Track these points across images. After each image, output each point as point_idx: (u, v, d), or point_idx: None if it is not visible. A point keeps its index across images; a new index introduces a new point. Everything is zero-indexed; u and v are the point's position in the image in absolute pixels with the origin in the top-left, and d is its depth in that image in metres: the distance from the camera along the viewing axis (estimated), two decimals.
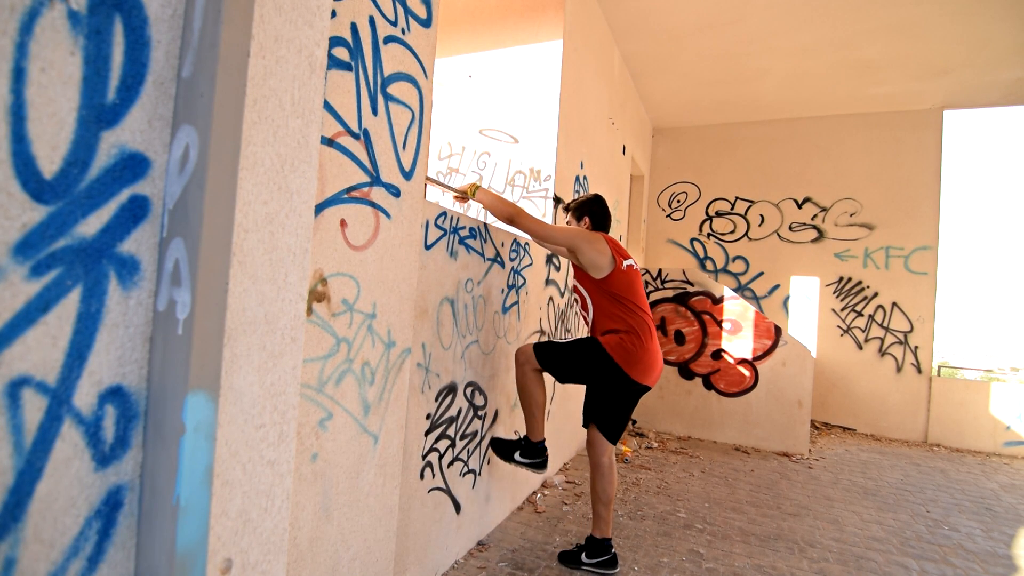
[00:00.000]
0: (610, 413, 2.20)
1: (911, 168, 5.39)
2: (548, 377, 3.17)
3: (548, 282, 3.11)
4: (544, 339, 3.05)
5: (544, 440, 2.31)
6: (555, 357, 2.21)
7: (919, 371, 5.25)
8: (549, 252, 3.11)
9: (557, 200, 3.23)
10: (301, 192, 0.97)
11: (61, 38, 0.78)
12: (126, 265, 0.88)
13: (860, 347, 5.47)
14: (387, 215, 1.49)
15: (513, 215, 2.21)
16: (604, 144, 4.26)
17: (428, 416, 1.90)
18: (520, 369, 2.28)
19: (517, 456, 2.27)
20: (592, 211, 2.36)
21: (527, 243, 2.75)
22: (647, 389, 2.20)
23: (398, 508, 1.64)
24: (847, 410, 5.46)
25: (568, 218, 2.43)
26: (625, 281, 2.19)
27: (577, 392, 3.81)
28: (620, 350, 2.11)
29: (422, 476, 1.88)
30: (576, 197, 2.44)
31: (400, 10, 1.53)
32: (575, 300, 2.33)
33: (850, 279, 5.55)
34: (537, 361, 2.22)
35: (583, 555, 2.18)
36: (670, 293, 4.83)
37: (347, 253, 1.35)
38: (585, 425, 2.26)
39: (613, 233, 4.68)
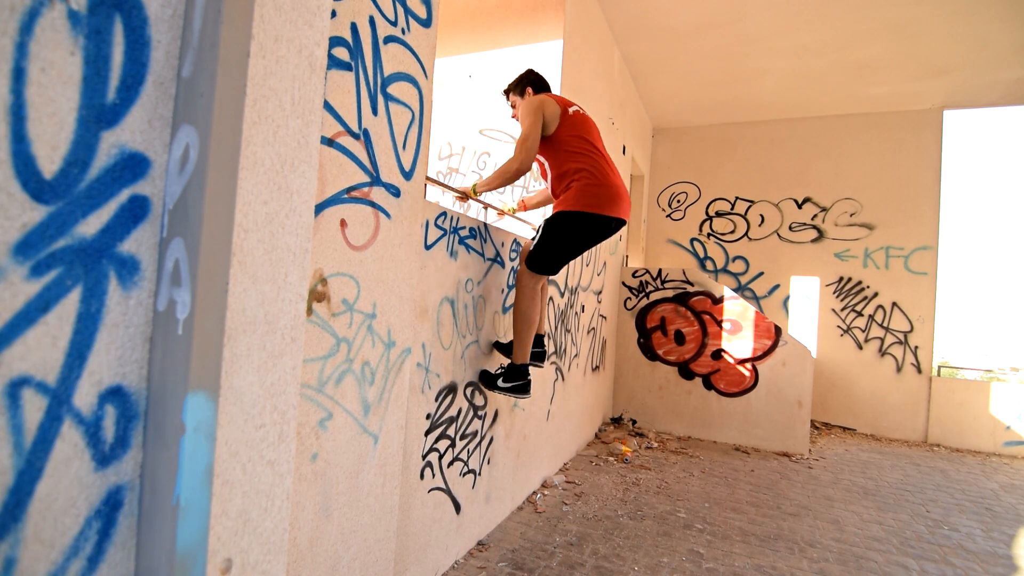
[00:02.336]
0: (566, 257, 2.20)
1: (911, 168, 5.39)
2: (547, 377, 3.18)
3: (548, 282, 3.11)
4: (544, 339, 3.05)
5: (527, 364, 2.25)
6: (545, 256, 2.17)
7: (919, 371, 5.25)
8: None
9: None
10: (301, 192, 0.97)
11: (61, 38, 0.78)
12: (126, 265, 0.88)
13: (860, 347, 5.47)
14: (387, 215, 1.49)
15: (506, 172, 2.17)
16: (604, 144, 4.25)
17: (428, 416, 1.90)
18: (520, 285, 2.22)
19: (500, 383, 2.23)
20: (531, 80, 2.41)
21: None
22: (623, 222, 2.21)
23: (398, 508, 1.64)
24: (847, 410, 5.46)
25: (512, 100, 2.45)
26: (574, 127, 2.20)
27: (577, 392, 3.81)
28: (583, 197, 2.10)
29: (422, 476, 1.88)
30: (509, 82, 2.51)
31: (400, 10, 1.53)
32: (538, 175, 2.35)
33: (850, 279, 5.55)
34: (530, 269, 2.19)
35: (500, 379, 2.21)
36: (670, 293, 4.83)
37: (347, 253, 1.35)
38: (532, 268, 2.19)
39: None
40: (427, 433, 1.90)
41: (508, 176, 2.18)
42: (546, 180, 2.32)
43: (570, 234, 2.15)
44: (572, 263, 3.55)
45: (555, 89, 3.23)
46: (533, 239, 2.21)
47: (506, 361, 2.48)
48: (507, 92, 2.49)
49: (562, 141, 2.19)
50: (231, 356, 0.85)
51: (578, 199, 2.11)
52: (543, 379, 3.09)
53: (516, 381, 2.23)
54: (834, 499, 3.26)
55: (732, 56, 4.57)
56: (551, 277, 2.23)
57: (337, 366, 1.33)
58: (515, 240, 2.59)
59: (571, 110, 2.25)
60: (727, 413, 4.56)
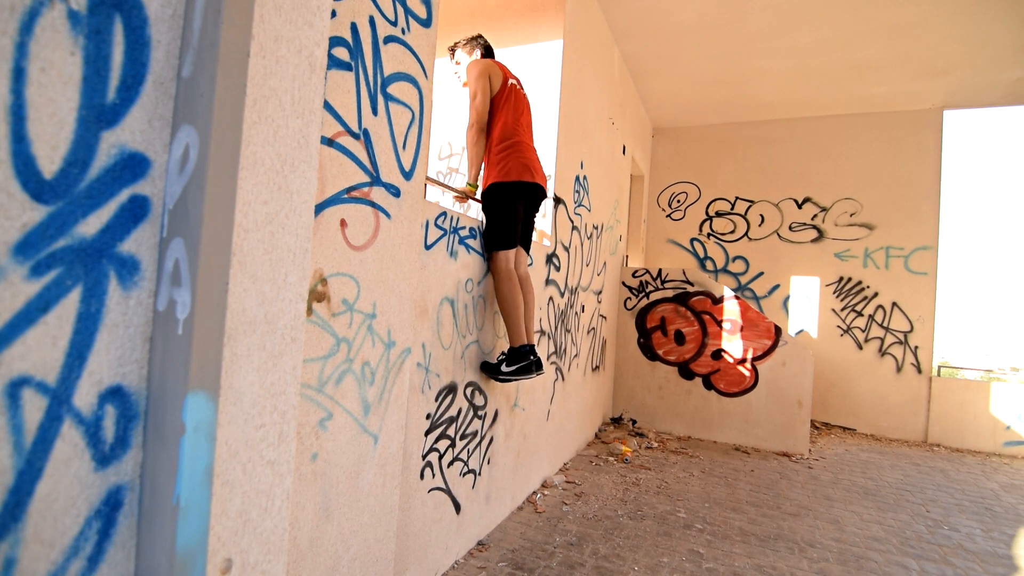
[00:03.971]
0: (514, 226, 2.28)
1: (911, 168, 5.39)
2: (547, 377, 3.18)
3: (548, 282, 3.11)
4: (545, 339, 3.05)
5: (527, 344, 2.25)
6: (495, 233, 2.25)
7: (919, 371, 5.25)
8: (548, 252, 3.11)
9: (557, 200, 3.23)
10: (301, 192, 0.97)
11: (61, 38, 0.78)
12: (126, 265, 0.88)
13: (860, 347, 5.47)
14: (387, 215, 1.49)
15: (469, 140, 2.35)
16: (604, 144, 4.26)
17: (428, 416, 1.90)
18: (495, 275, 2.28)
19: (504, 368, 2.22)
20: (482, 45, 2.56)
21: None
22: (541, 188, 2.36)
23: (398, 508, 1.64)
24: (847, 410, 5.46)
25: (457, 57, 2.58)
26: (509, 99, 2.36)
27: (577, 392, 3.81)
28: (512, 167, 2.26)
29: (422, 476, 1.88)
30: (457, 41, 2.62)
31: (400, 10, 1.53)
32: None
33: (850, 279, 5.55)
34: (490, 249, 2.26)
35: (502, 365, 2.22)
36: (670, 293, 4.83)
37: (347, 253, 1.35)
38: (488, 249, 2.28)
39: (613, 234, 4.68)
40: (427, 433, 1.90)
41: (472, 141, 2.34)
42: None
43: (502, 203, 2.27)
44: (572, 263, 3.55)
45: (555, 89, 3.23)
46: (480, 223, 2.29)
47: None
48: (453, 48, 2.60)
49: (496, 108, 2.35)
50: (231, 356, 0.85)
51: (511, 171, 2.27)
52: (543, 379, 3.09)
53: (520, 362, 2.21)
54: (834, 499, 3.26)
55: (732, 56, 4.57)
56: (530, 263, 2.34)
57: (337, 366, 1.33)
58: None
59: (510, 82, 2.40)
60: (727, 413, 4.56)
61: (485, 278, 2.32)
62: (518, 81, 2.48)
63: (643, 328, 4.91)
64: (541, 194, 2.39)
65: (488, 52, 2.59)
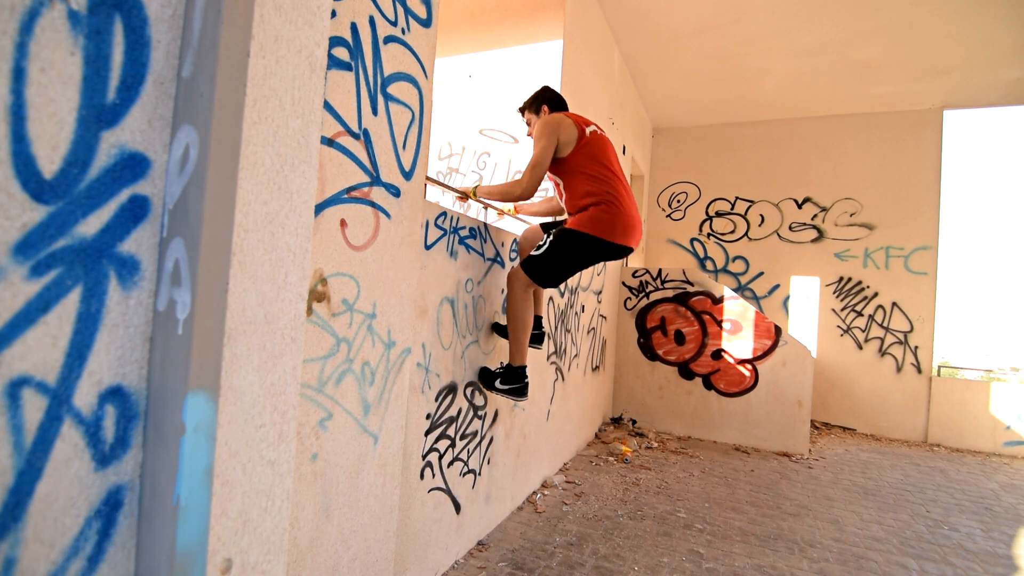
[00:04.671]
0: (566, 274, 2.19)
1: (911, 168, 5.39)
2: (547, 377, 3.18)
3: None
4: (545, 339, 3.05)
5: (525, 367, 2.24)
6: (543, 266, 2.15)
7: (919, 371, 5.25)
8: None
9: None
10: (301, 192, 0.97)
11: (61, 38, 0.78)
12: (126, 265, 0.88)
13: (860, 347, 5.47)
14: (387, 215, 1.49)
15: (520, 192, 2.15)
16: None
17: (428, 416, 1.90)
18: (512, 290, 2.18)
19: (498, 384, 2.22)
20: (546, 98, 2.35)
21: None
22: (631, 250, 2.21)
23: (398, 508, 1.64)
24: (847, 410, 5.46)
25: (527, 117, 2.40)
26: (592, 150, 2.15)
27: (577, 392, 3.81)
28: (595, 223, 2.09)
29: (422, 476, 1.88)
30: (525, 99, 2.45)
31: (400, 10, 1.53)
32: (557, 190, 2.31)
33: (850, 279, 5.55)
34: (528, 276, 2.15)
35: (498, 380, 2.22)
36: (670, 293, 4.83)
37: (347, 253, 1.35)
38: (530, 274, 2.15)
39: None
40: (427, 433, 1.90)
41: (509, 198, 2.19)
42: (561, 199, 2.29)
43: (577, 253, 2.14)
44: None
45: (555, 91, 3.23)
46: (538, 247, 2.19)
47: (506, 358, 2.48)
48: (522, 110, 2.43)
49: (579, 164, 2.14)
50: (231, 356, 0.85)
51: (593, 223, 2.09)
52: (543, 379, 3.09)
53: (514, 384, 2.22)
54: (834, 499, 3.26)
55: (732, 56, 4.57)
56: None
57: (337, 366, 1.33)
58: (515, 240, 2.59)
59: (588, 131, 2.19)
60: (727, 413, 4.56)
61: (485, 278, 2.32)
62: (599, 127, 2.29)
63: (643, 328, 4.91)
64: (626, 254, 2.22)
65: (557, 103, 2.37)
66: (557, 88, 3.22)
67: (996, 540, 2.78)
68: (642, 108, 5.76)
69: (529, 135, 2.38)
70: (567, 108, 2.38)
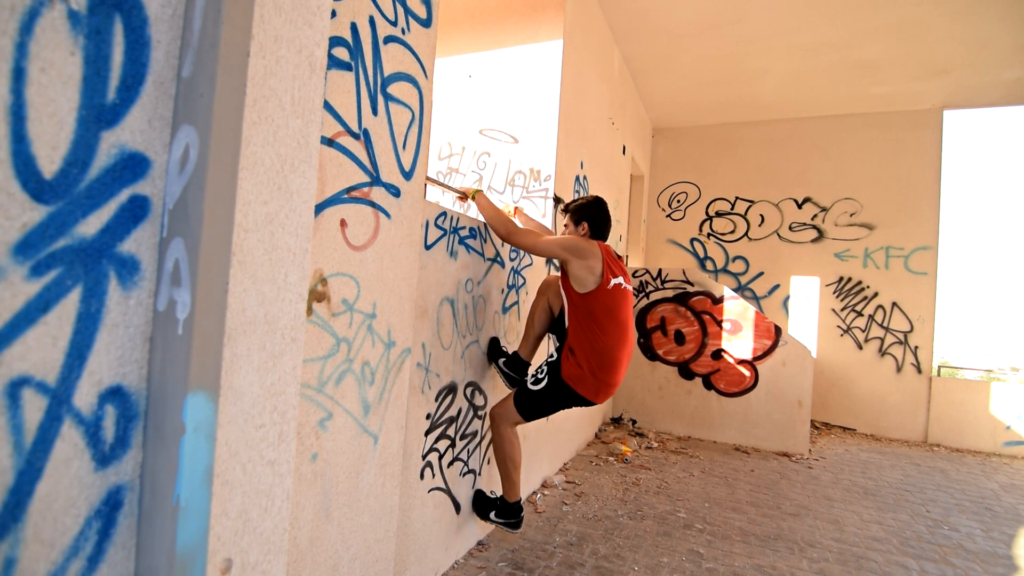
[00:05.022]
0: (547, 413, 2.22)
1: (911, 168, 5.39)
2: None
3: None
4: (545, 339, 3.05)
5: (520, 500, 2.25)
6: (532, 406, 2.18)
7: (919, 371, 5.25)
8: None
9: (557, 200, 3.23)
10: (301, 192, 0.97)
11: (61, 38, 0.78)
12: (126, 265, 0.88)
13: (860, 347, 5.47)
14: (387, 215, 1.49)
15: (506, 234, 2.14)
16: (604, 144, 4.26)
17: (428, 416, 1.90)
18: (499, 430, 2.20)
19: (492, 516, 2.24)
20: (592, 216, 2.22)
21: None
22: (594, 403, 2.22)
23: (398, 508, 1.64)
24: (847, 410, 5.46)
25: (566, 220, 2.30)
26: (607, 302, 2.08)
27: None
28: (583, 384, 2.10)
29: (422, 476, 1.88)
30: (576, 199, 2.33)
31: (400, 10, 1.53)
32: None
33: (850, 279, 5.55)
34: (519, 414, 2.18)
35: (492, 512, 2.23)
36: (670, 293, 4.83)
37: (347, 253, 1.35)
38: (520, 409, 2.18)
39: (613, 234, 4.67)
40: (427, 433, 1.90)
41: (497, 228, 2.15)
42: (564, 313, 2.21)
43: (563, 402, 2.18)
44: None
45: (555, 89, 3.23)
46: (533, 382, 2.18)
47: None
48: (565, 209, 2.34)
49: (592, 310, 2.09)
50: (231, 356, 0.85)
51: (580, 384, 2.11)
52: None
53: (510, 519, 2.23)
54: (834, 499, 3.26)
55: (732, 56, 4.57)
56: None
57: (337, 366, 1.33)
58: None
59: (612, 283, 2.10)
60: (727, 413, 4.56)
61: (485, 278, 2.32)
62: (626, 276, 2.18)
63: (643, 328, 4.91)
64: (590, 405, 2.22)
65: (598, 228, 2.23)
66: (557, 89, 3.21)
67: (996, 540, 2.78)
68: (642, 108, 5.76)
69: (564, 226, 2.34)
70: (607, 234, 2.29)
